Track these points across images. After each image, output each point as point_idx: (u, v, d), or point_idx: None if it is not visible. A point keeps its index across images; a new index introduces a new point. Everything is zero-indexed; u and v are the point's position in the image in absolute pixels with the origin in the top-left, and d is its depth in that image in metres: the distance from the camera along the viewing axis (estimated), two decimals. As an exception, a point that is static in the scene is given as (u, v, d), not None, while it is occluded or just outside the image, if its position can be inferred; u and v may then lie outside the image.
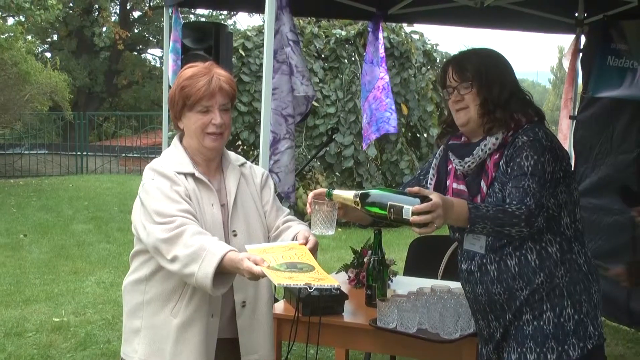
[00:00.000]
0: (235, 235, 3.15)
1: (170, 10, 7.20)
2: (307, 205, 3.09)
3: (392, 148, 13.09)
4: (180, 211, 2.97)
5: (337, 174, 12.99)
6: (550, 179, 2.98)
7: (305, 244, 3.02)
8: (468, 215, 2.88)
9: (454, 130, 3.30)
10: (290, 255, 2.89)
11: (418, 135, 13.93)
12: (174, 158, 3.18)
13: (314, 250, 3.03)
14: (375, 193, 2.91)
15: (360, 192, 2.95)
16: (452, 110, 3.19)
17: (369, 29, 6.96)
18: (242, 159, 3.40)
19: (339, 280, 4.50)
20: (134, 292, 3.20)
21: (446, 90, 3.19)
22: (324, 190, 3.09)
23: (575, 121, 7.04)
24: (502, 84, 3.11)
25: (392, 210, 2.85)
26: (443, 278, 5.15)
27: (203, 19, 27.39)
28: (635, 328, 6.78)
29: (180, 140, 3.24)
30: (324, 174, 12.78)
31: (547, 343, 3.06)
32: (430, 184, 3.36)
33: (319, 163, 12.52)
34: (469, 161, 3.15)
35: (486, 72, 3.10)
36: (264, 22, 4.68)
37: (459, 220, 2.90)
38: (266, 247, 2.97)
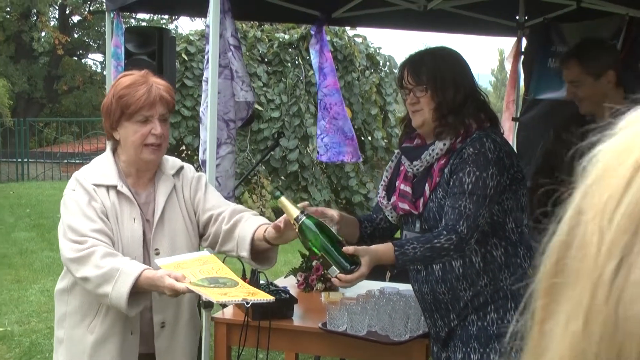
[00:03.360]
0: (157, 253, 3.08)
1: (112, 15, 7.12)
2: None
3: (336, 151, 13.13)
4: (93, 231, 2.91)
5: (283, 177, 12.98)
6: (492, 193, 3.02)
7: (279, 230, 2.95)
8: (395, 262, 2.96)
9: (412, 130, 3.33)
10: (207, 269, 2.87)
11: (362, 138, 13.95)
12: (99, 169, 3.11)
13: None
14: (315, 232, 2.88)
15: (302, 219, 2.89)
16: (409, 111, 3.23)
17: (312, 32, 6.97)
18: (178, 165, 3.31)
19: (287, 284, 4.52)
20: (60, 302, 3.18)
21: (403, 90, 3.23)
22: (321, 208, 3.12)
23: (517, 123, 7.12)
24: (457, 87, 3.13)
25: (322, 258, 3.05)
26: (392, 280, 5.16)
27: (144, 24, 27.19)
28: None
29: (113, 151, 3.16)
30: (269, 178, 12.77)
31: (491, 344, 3.12)
32: (382, 184, 3.41)
33: (263, 167, 12.49)
34: (417, 164, 3.20)
35: (441, 76, 3.12)
36: (207, 26, 4.65)
37: (387, 262, 2.99)
38: (179, 262, 2.92)
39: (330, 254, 2.87)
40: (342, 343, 3.87)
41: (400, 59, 14.64)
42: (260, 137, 12.50)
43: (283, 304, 4.03)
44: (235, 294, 2.72)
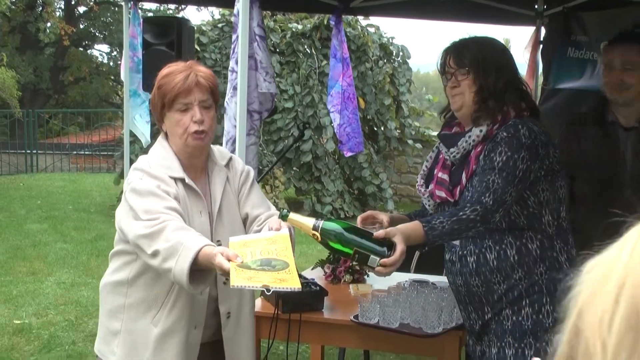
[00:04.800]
0: (219, 244, 3.02)
1: (129, 5, 7.10)
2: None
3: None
4: (166, 208, 2.88)
5: (296, 168, 12.95)
6: (522, 176, 2.98)
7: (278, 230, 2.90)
8: (425, 239, 2.90)
9: (452, 119, 3.32)
10: (270, 250, 2.77)
11: (375, 128, 13.93)
12: (162, 160, 3.08)
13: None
14: (338, 231, 2.82)
15: (320, 224, 2.84)
16: (449, 96, 3.21)
17: (332, 23, 6.93)
18: (227, 155, 3.30)
19: (314, 276, 4.49)
20: (115, 294, 3.14)
21: (444, 76, 3.21)
22: (371, 213, 3.04)
23: (536, 112, 7.09)
24: (499, 73, 3.11)
25: (357, 255, 2.82)
26: (416, 271, 5.15)
27: (150, 14, 27.09)
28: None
29: (167, 141, 3.14)
30: (282, 169, 12.74)
31: (526, 339, 3.08)
32: (422, 173, 3.40)
33: (276, 158, 12.47)
34: (454, 151, 3.18)
35: (483, 60, 3.11)
36: (234, 15, 4.60)
37: (417, 242, 2.93)
38: (247, 240, 2.85)
39: (362, 246, 2.81)
40: (373, 335, 3.84)
41: (413, 49, 14.65)
42: (274, 128, 12.48)
43: (313, 296, 4.00)
44: (260, 278, 2.60)
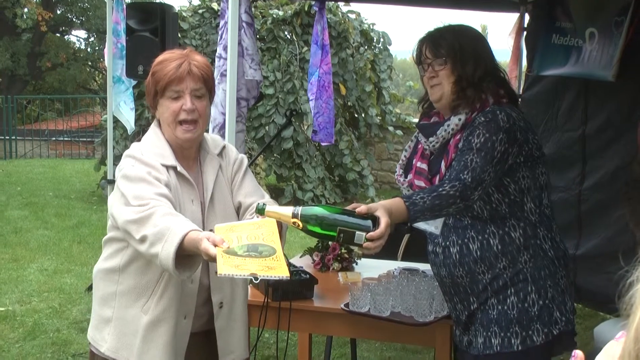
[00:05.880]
0: None
1: (113, -9, 7.06)
2: None
3: (331, 128, 13.11)
4: (157, 194, 2.85)
5: (277, 155, 12.92)
6: (500, 158, 2.97)
7: None
8: (407, 213, 2.86)
9: (430, 109, 3.30)
10: (256, 235, 2.70)
11: (356, 115, 13.92)
12: (154, 148, 3.06)
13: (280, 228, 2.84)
14: (319, 213, 2.74)
15: (299, 210, 2.74)
16: (427, 86, 3.19)
17: (315, 8, 6.91)
18: (220, 143, 3.28)
19: (303, 264, 4.48)
20: (107, 281, 3.13)
21: (421, 66, 3.18)
22: (355, 205, 2.93)
23: (520, 99, 7.09)
24: (477, 61, 3.10)
25: (342, 234, 2.73)
26: (403, 259, 5.15)
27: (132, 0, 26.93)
28: (582, 304, 6.89)
29: (160, 128, 3.12)
30: (263, 156, 12.71)
31: (512, 327, 3.08)
32: (401, 163, 3.38)
33: (257, 145, 12.43)
34: (433, 140, 3.17)
35: (460, 48, 3.09)
36: (223, 0, 4.56)
37: (399, 219, 2.87)
38: (233, 225, 2.79)
39: (346, 224, 2.72)
40: (364, 324, 3.85)
41: (394, 35, 14.59)
42: (255, 115, 12.43)
43: (303, 285, 3.99)
44: (248, 267, 2.54)
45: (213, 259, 2.59)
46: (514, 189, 3.06)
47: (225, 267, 2.52)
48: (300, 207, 2.75)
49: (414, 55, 3.22)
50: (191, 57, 3.04)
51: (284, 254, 2.70)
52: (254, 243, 2.67)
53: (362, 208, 2.78)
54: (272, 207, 2.81)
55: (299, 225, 2.73)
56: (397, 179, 3.37)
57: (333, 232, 2.74)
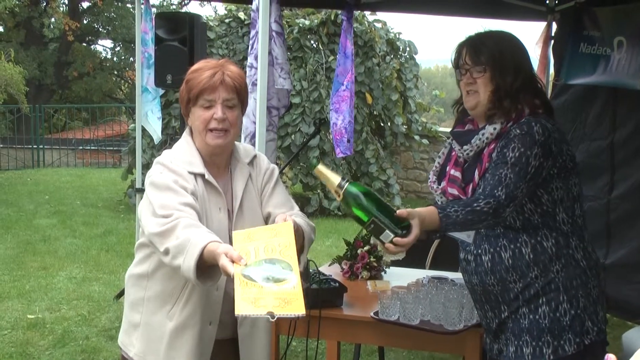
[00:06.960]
0: None
1: (141, 0, 7.12)
2: None
3: (357, 137, 13.09)
4: (181, 204, 2.89)
5: (303, 164, 12.94)
6: (534, 173, 2.97)
7: None
8: (439, 224, 2.91)
9: (464, 114, 3.28)
10: (273, 246, 2.73)
11: (382, 124, 13.91)
12: (184, 156, 3.09)
13: (297, 235, 2.88)
14: (362, 196, 2.80)
15: (346, 185, 2.82)
16: (463, 91, 3.18)
17: (343, 18, 6.93)
18: (252, 152, 3.29)
19: (331, 272, 4.49)
20: (136, 286, 3.17)
21: (458, 70, 3.16)
22: None
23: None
24: (517, 72, 3.08)
25: (372, 225, 2.79)
26: (431, 268, 5.15)
27: (154, 9, 26.99)
28: (610, 313, 6.86)
29: (191, 136, 3.16)
30: (290, 165, 12.73)
31: (543, 337, 3.06)
32: (434, 169, 3.38)
33: (283, 154, 12.45)
34: (467, 149, 3.16)
35: (501, 57, 3.07)
36: (253, 11, 4.59)
37: (430, 227, 2.93)
38: (250, 232, 2.83)
39: (380, 218, 2.79)
40: (393, 332, 3.85)
41: (419, 44, 14.59)
42: (282, 124, 12.46)
43: (333, 293, 4.00)
44: (265, 302, 2.52)
45: (230, 278, 2.64)
46: (547, 199, 3.05)
47: (243, 304, 2.52)
48: (348, 183, 2.81)
49: (452, 59, 3.21)
50: (226, 67, 3.06)
51: (300, 272, 2.67)
52: (271, 257, 2.69)
53: (403, 212, 2.83)
54: (324, 167, 2.87)
55: (339, 196, 2.80)
56: (430, 185, 3.36)
57: (367, 217, 2.80)
